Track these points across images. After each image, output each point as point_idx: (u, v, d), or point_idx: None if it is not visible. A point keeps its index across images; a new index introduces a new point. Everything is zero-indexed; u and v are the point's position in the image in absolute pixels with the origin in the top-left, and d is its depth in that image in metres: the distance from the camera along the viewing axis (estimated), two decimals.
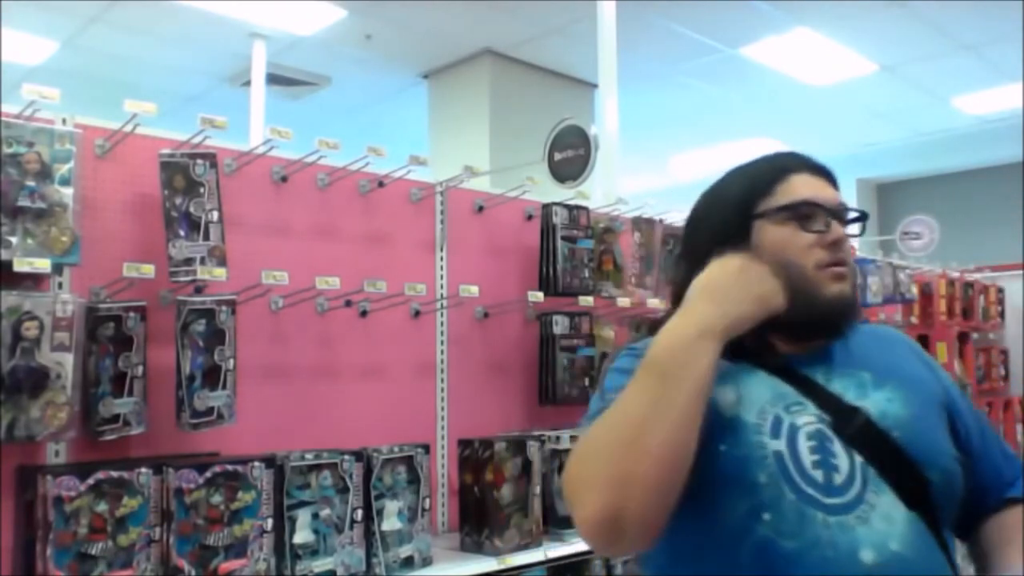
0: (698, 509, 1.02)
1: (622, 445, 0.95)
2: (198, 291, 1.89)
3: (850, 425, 1.07)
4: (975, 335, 4.46)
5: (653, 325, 1.18)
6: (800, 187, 1.16)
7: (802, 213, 1.14)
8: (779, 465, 1.03)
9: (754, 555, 1.00)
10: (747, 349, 1.11)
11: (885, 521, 1.01)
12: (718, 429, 1.04)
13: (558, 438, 2.41)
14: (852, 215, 1.19)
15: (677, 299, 1.22)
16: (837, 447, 1.05)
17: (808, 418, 1.07)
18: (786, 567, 0.98)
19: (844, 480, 1.03)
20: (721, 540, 1.02)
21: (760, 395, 1.09)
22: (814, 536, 0.99)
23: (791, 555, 0.99)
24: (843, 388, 1.12)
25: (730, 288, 1.06)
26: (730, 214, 1.17)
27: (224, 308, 1.90)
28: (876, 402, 1.11)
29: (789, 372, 1.11)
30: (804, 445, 1.05)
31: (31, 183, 1.67)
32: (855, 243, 3.78)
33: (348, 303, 2.23)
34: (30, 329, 1.63)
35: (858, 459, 1.05)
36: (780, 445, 1.04)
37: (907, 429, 1.09)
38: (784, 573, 0.99)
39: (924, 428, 1.11)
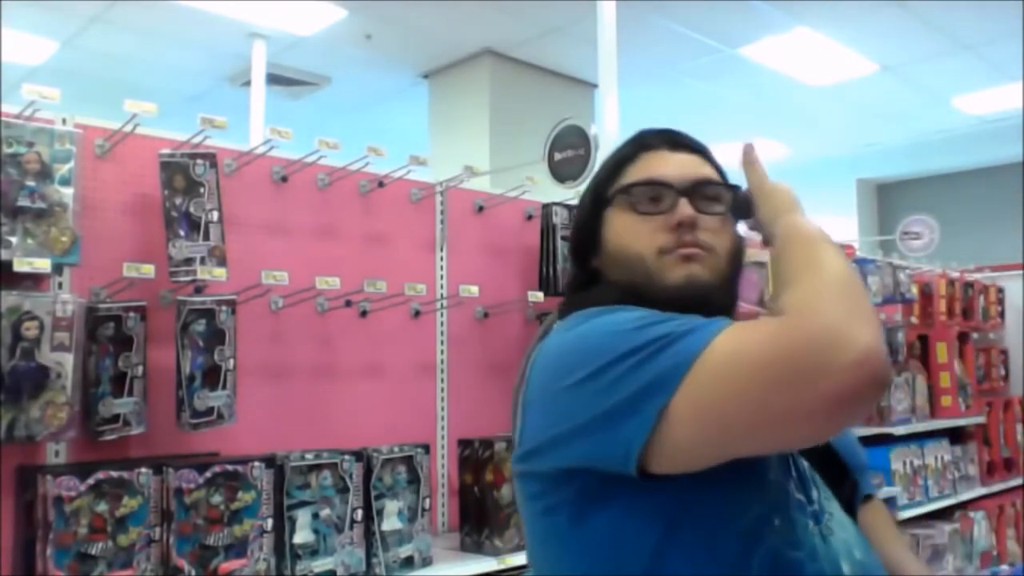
0: (704, 504, 0.89)
1: (857, 294, 0.84)
2: (198, 291, 1.89)
3: None
4: (975, 335, 4.45)
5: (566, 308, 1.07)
6: (650, 165, 1.05)
7: (645, 195, 1.03)
8: (781, 464, 0.93)
9: (766, 566, 0.88)
10: None
11: (843, 529, 0.96)
12: None
13: None
14: (716, 191, 1.06)
15: (572, 287, 1.14)
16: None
17: None
18: None
19: (807, 486, 0.96)
20: (731, 545, 0.88)
21: None
22: (812, 546, 0.91)
23: (797, 567, 0.89)
24: None
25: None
26: (587, 203, 1.10)
27: (224, 308, 1.90)
28: None
29: None
30: None
31: (31, 183, 1.67)
32: (855, 244, 3.79)
33: (348, 303, 2.23)
34: (30, 329, 1.63)
35: (804, 463, 0.98)
36: None
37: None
38: None
39: (846, 432, 1.09)
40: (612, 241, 1.05)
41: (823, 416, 0.78)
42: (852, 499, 1.03)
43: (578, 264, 1.12)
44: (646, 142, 1.09)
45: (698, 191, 1.04)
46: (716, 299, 1.01)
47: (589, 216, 1.09)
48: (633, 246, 1.02)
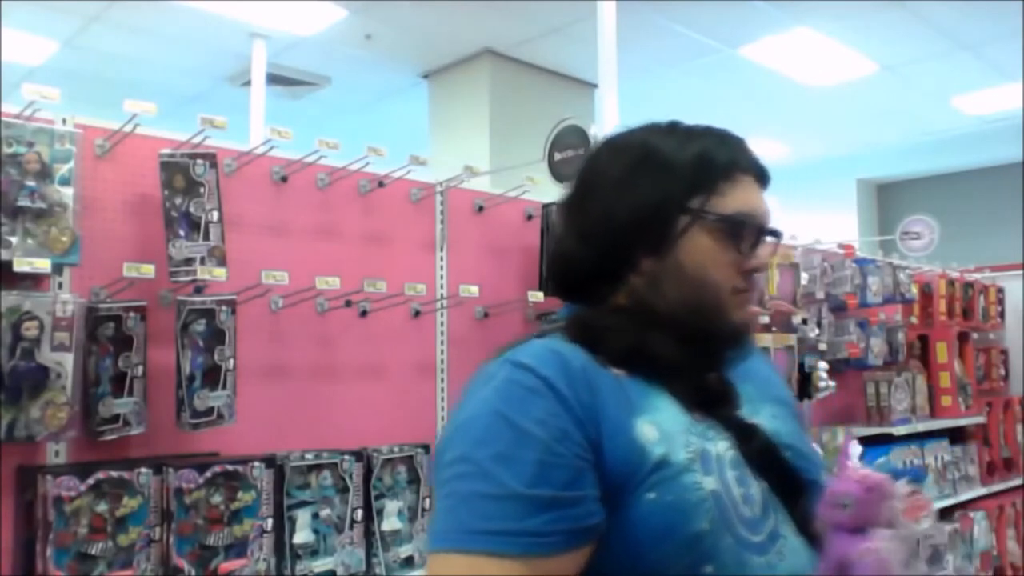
0: (625, 570, 0.89)
1: None
2: (198, 291, 1.89)
3: (752, 447, 0.96)
4: (975, 335, 4.45)
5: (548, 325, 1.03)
6: (747, 194, 1.02)
7: (739, 232, 1.00)
8: (719, 507, 0.90)
9: None
10: (640, 355, 0.96)
11: (795, 553, 0.94)
12: (644, 474, 0.88)
13: None
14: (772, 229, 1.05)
15: (575, 284, 1.06)
16: (748, 474, 0.94)
17: (724, 443, 0.95)
18: None
19: (760, 512, 0.93)
20: None
21: (676, 422, 0.93)
22: None
23: None
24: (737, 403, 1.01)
25: None
26: (667, 196, 0.99)
27: (224, 308, 1.90)
28: (766, 418, 1.02)
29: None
30: (730, 477, 0.92)
31: (31, 183, 1.67)
32: (855, 244, 3.80)
33: (348, 303, 2.23)
34: (30, 329, 1.63)
35: (763, 485, 0.95)
36: (714, 483, 0.90)
37: (794, 448, 1.02)
38: None
39: (803, 445, 1.06)
40: (693, 264, 0.99)
41: None
42: (808, 514, 0.99)
43: (615, 246, 1.02)
44: (738, 159, 1.03)
45: (771, 234, 1.05)
46: (750, 339, 1.06)
47: (664, 213, 0.99)
48: (714, 276, 1.00)
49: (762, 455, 0.97)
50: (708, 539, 0.88)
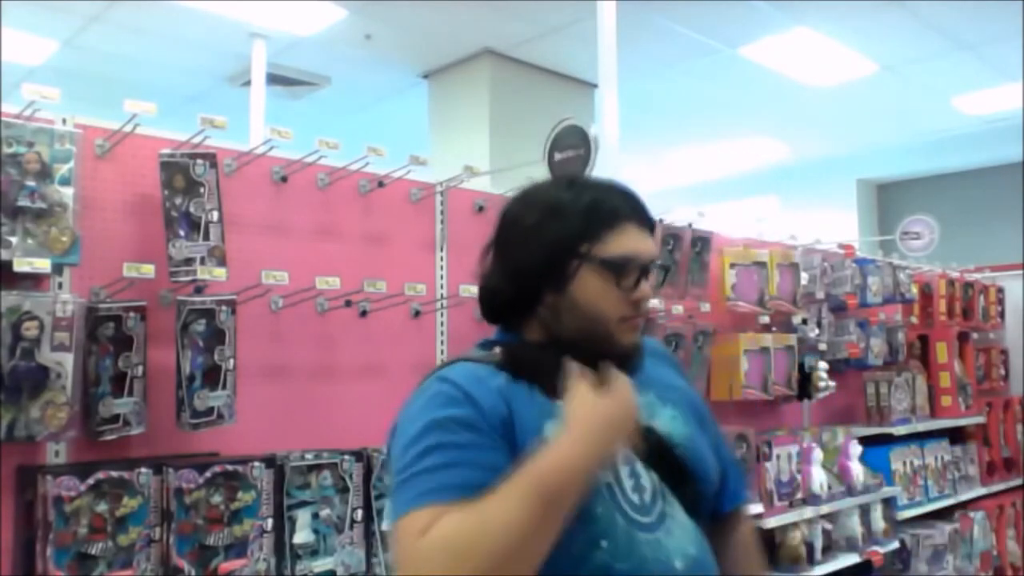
0: None
1: (502, 559, 0.98)
2: (198, 291, 1.89)
3: (646, 445, 1.19)
4: (975, 335, 4.45)
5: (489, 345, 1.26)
6: (629, 240, 1.22)
7: (623, 272, 1.20)
8: (611, 495, 1.14)
9: None
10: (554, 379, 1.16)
11: (682, 529, 1.18)
12: None
13: None
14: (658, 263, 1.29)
15: (500, 313, 1.31)
16: (640, 467, 1.19)
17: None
18: None
19: (650, 498, 1.18)
20: (561, 565, 1.08)
21: None
22: (641, 556, 1.12)
23: (625, 574, 1.11)
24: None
25: (610, 429, 1.09)
26: (561, 243, 1.22)
27: (224, 308, 1.90)
28: (664, 421, 1.25)
29: None
30: (623, 471, 1.17)
31: (31, 183, 1.67)
32: (855, 244, 3.80)
33: (348, 303, 2.23)
34: (30, 329, 1.63)
35: (654, 476, 1.19)
36: (608, 476, 1.14)
37: (687, 447, 1.24)
38: None
39: (699, 445, 1.27)
40: (584, 299, 1.20)
41: None
42: (697, 504, 1.23)
43: (526, 284, 1.24)
44: (622, 209, 1.23)
45: (653, 269, 1.26)
46: (640, 358, 1.27)
47: (560, 257, 1.21)
48: (603, 311, 1.21)
49: (654, 452, 1.20)
50: (602, 520, 1.12)
